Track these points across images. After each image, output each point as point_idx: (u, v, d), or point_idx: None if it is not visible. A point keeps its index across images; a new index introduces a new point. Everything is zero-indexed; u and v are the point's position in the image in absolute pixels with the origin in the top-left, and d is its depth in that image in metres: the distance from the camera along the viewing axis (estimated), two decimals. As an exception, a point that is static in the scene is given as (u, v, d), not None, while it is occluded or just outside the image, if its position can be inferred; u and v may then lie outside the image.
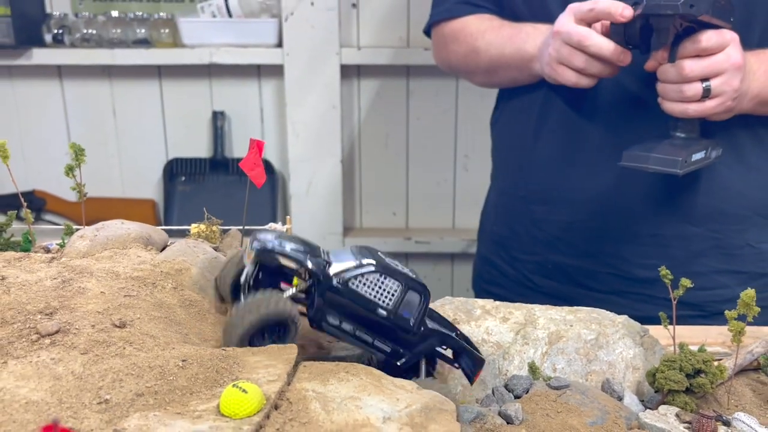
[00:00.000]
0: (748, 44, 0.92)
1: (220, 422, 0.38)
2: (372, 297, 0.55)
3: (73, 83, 2.17)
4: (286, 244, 0.54)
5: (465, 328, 0.70)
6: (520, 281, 1.20)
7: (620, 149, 0.89)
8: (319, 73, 2.03)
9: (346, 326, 0.53)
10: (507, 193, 1.23)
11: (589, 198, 1.06)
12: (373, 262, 0.56)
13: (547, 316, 0.72)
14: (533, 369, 0.67)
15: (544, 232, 1.14)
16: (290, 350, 0.46)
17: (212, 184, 2.21)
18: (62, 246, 0.65)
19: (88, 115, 2.21)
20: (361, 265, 0.55)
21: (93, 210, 2.25)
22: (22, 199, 0.74)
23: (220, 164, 2.19)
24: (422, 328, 0.59)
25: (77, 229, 0.66)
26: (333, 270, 0.54)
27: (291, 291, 0.52)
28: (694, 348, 0.71)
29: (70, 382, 0.38)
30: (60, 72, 2.16)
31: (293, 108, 2.06)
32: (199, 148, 2.23)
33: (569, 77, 0.91)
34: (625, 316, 0.75)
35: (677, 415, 0.63)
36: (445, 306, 0.74)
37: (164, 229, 0.73)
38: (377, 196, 2.26)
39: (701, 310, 1.03)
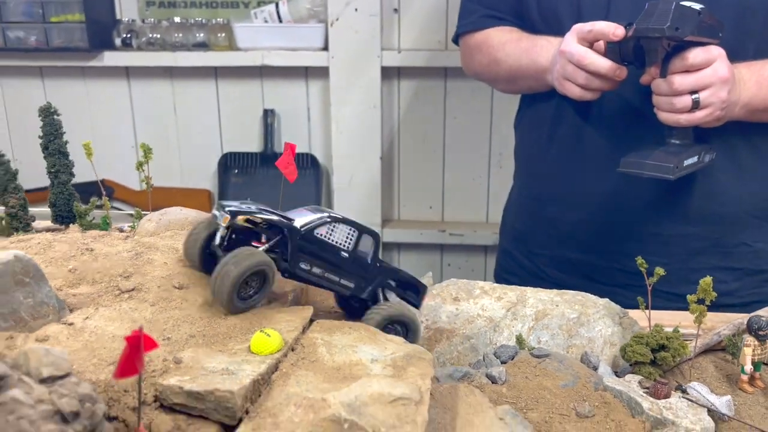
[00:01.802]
0: (743, 57, 1.00)
1: (250, 357, 0.50)
2: (334, 242, 0.65)
3: (139, 83, 2.36)
4: (253, 207, 0.65)
5: (463, 305, 0.82)
6: (535, 273, 1.30)
7: (622, 155, 0.98)
8: (362, 74, 2.15)
9: (316, 270, 0.63)
10: (525, 192, 1.33)
11: (595, 200, 1.15)
12: (326, 214, 0.66)
13: (536, 297, 0.83)
14: (520, 341, 0.78)
15: (557, 229, 1.24)
16: (307, 311, 0.59)
17: (262, 176, 2.36)
18: (134, 227, 0.80)
19: (151, 112, 2.39)
20: (320, 218, 0.65)
21: (155, 198, 2.44)
22: (102, 188, 0.89)
23: (269, 158, 2.34)
24: (378, 265, 0.69)
25: (145, 215, 0.80)
26: (297, 224, 0.63)
27: (265, 246, 0.62)
28: (669, 330, 0.80)
29: (143, 324, 0.51)
30: (127, 73, 2.35)
31: (337, 107, 2.19)
32: (251, 143, 2.39)
33: (574, 92, 1.01)
34: (607, 299, 0.85)
35: (639, 383, 0.73)
36: (450, 286, 0.86)
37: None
38: (414, 191, 2.37)
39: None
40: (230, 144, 2.40)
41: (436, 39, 2.21)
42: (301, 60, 2.19)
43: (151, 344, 0.37)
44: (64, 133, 0.85)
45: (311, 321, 0.59)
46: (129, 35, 2.26)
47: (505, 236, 1.42)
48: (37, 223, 0.84)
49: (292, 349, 0.53)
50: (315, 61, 2.18)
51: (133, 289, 0.57)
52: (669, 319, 0.87)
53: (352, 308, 0.72)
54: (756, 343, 0.71)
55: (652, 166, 0.94)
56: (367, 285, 0.68)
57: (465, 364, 0.77)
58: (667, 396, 0.69)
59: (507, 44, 1.20)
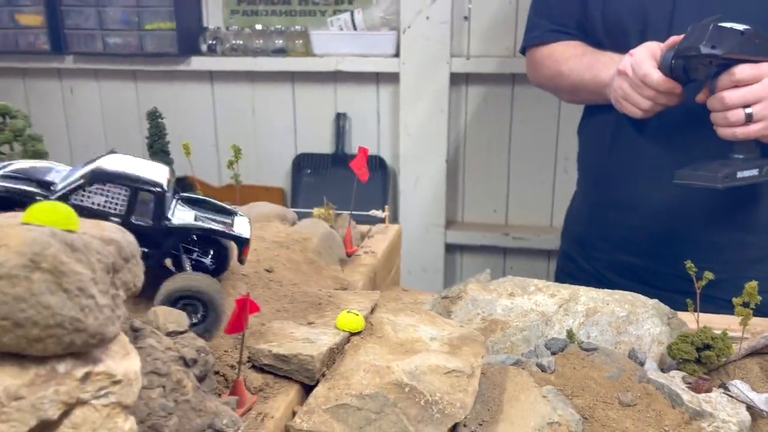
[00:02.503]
0: None
1: (327, 330, 0.59)
2: (100, 207, 0.55)
3: (222, 86, 2.52)
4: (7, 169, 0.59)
5: (518, 300, 0.88)
6: (594, 276, 1.34)
7: (680, 166, 1.02)
8: (431, 80, 2.23)
9: None
10: (586, 197, 1.38)
11: (653, 208, 1.19)
12: (84, 173, 0.56)
13: (588, 295, 0.88)
14: (570, 335, 0.84)
15: (616, 234, 1.28)
16: (375, 295, 0.67)
17: (333, 176, 2.47)
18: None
19: (231, 113, 2.55)
20: (74, 180, 0.55)
21: (233, 195, 2.60)
22: (198, 187, 1.00)
23: (340, 159, 2.44)
24: (165, 225, 0.57)
25: (235, 208, 0.90)
26: (56, 188, 0.55)
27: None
28: (717, 332, 0.84)
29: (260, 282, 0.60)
30: (211, 77, 2.51)
31: (406, 111, 2.27)
32: (323, 144, 2.51)
33: (631, 110, 1.05)
34: (656, 300, 0.89)
35: (683, 378, 0.77)
36: (506, 282, 0.92)
37: (293, 211, 0.96)
38: (479, 194, 2.42)
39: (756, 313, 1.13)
40: (304, 145, 2.52)
41: (505, 46, 2.26)
42: (373, 66, 2.29)
43: (255, 308, 0.46)
44: (167, 134, 0.96)
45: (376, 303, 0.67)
46: (214, 42, 2.41)
47: (566, 239, 1.46)
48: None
49: (362, 326, 0.62)
50: (386, 67, 2.27)
51: (242, 269, 0.67)
52: (718, 322, 0.90)
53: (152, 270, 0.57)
54: (796, 344, 0.75)
55: (701, 176, 0.98)
56: (152, 251, 0.57)
57: (517, 353, 0.83)
58: (708, 391, 0.74)
59: (570, 59, 1.25)
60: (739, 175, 0.98)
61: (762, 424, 0.72)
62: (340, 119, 2.44)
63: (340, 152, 2.45)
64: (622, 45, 1.14)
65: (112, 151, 0.65)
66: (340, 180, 2.47)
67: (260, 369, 0.55)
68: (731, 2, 1.05)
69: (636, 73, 1.00)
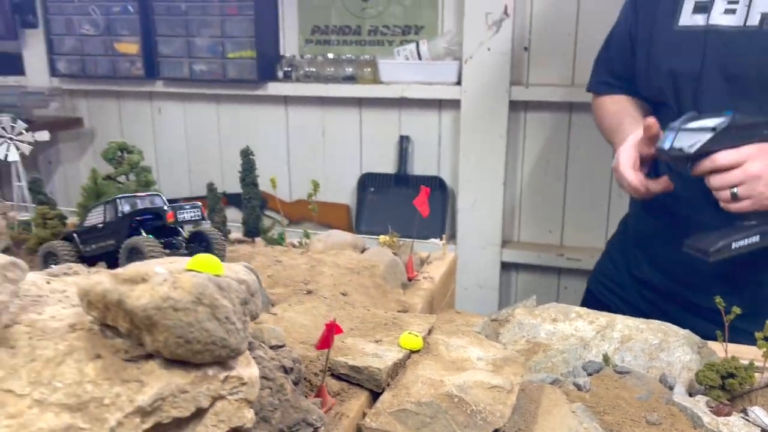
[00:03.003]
0: None
1: (391, 347, 0.71)
2: (91, 224, 0.83)
3: (295, 109, 2.69)
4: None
5: (560, 325, 0.98)
6: (622, 291, 1.44)
7: (704, 226, 1.10)
8: (490, 107, 2.33)
9: (93, 246, 0.83)
10: (631, 222, 1.47)
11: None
12: (99, 211, 0.84)
13: (624, 323, 0.97)
14: (606, 358, 0.93)
15: (655, 262, 1.36)
16: (432, 318, 0.79)
17: (395, 195, 2.60)
18: (301, 244, 1.04)
19: (303, 134, 2.72)
20: (91, 211, 0.85)
21: (302, 210, 2.77)
22: (270, 202, 1.15)
23: (402, 179, 2.57)
24: (120, 221, 0.81)
25: (314, 234, 1.04)
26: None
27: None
28: (745, 362, 0.92)
29: (320, 318, 0.73)
30: (286, 101, 2.69)
31: (466, 136, 2.38)
32: (387, 164, 2.64)
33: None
34: (688, 330, 0.97)
35: (706, 403, 0.85)
36: (550, 309, 1.02)
37: (363, 237, 1.09)
38: (535, 215, 2.50)
39: None
40: (369, 165, 2.67)
41: (563, 75, 2.34)
42: (436, 93, 2.41)
43: (339, 330, 0.58)
44: (256, 169, 1.11)
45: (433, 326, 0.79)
46: (290, 69, 2.59)
47: (609, 252, 1.55)
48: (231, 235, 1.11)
49: (421, 345, 0.73)
50: (448, 94, 2.39)
51: (310, 292, 0.80)
52: (746, 352, 0.97)
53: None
54: (813, 377, 0.82)
55: (698, 248, 1.07)
56: (120, 237, 0.80)
57: (557, 373, 0.93)
58: (728, 415, 0.82)
59: (607, 117, 1.36)
60: (735, 245, 1.06)
61: (776, 448, 0.79)
62: (404, 142, 2.57)
63: (403, 172, 2.58)
64: (661, 106, 1.24)
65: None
66: (401, 198, 2.61)
67: (338, 377, 0.67)
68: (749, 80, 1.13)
69: (617, 175, 1.10)
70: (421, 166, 2.61)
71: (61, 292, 0.54)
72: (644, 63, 1.28)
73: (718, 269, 1.25)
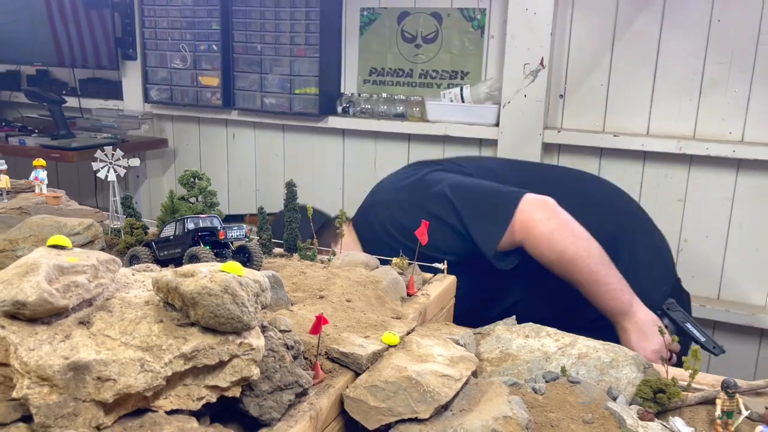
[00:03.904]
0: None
1: (375, 342, 0.93)
2: (166, 236, 1.10)
3: (351, 141, 2.96)
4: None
5: (530, 341, 1.17)
6: None
7: None
8: (525, 148, 2.52)
9: (165, 253, 1.07)
10: None
11: None
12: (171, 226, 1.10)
13: (584, 343, 1.15)
14: (563, 370, 1.11)
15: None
16: (412, 324, 1.00)
17: (436, 223, 2.81)
18: (329, 261, 1.27)
19: (356, 164, 2.97)
20: (166, 228, 1.11)
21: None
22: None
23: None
24: (185, 235, 1.05)
25: (335, 254, 1.27)
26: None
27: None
28: (683, 383, 1.08)
29: (327, 316, 0.96)
30: (343, 133, 2.96)
31: (501, 173, 2.57)
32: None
33: None
34: (636, 353, 1.14)
35: (637, 411, 1.02)
36: (525, 327, 1.21)
37: (378, 257, 1.31)
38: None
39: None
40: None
41: (595, 122, 2.51)
42: (476, 133, 2.62)
43: (325, 321, 0.81)
44: (297, 198, 1.35)
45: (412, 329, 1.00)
46: (348, 105, 2.86)
47: None
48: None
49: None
50: (487, 134, 2.59)
51: (322, 297, 1.03)
52: (684, 375, 1.13)
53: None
54: (725, 397, 0.98)
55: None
56: (185, 247, 1.04)
57: (521, 378, 1.12)
58: (650, 420, 0.99)
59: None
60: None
61: (686, 451, 0.95)
62: (446, 175, 2.78)
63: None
64: None
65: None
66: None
67: (332, 359, 0.90)
68: None
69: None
70: (461, 197, 2.80)
71: (141, 282, 0.79)
72: None
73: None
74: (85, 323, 0.65)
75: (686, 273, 2.33)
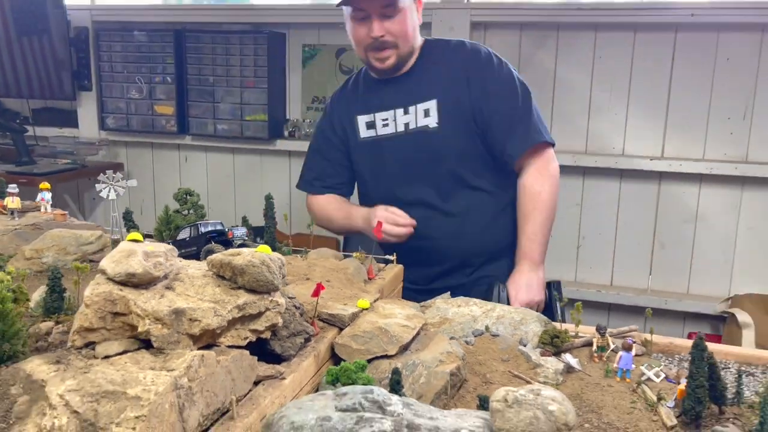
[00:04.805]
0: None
1: (352, 307, 1.26)
2: (183, 238, 1.37)
3: (296, 161, 3.27)
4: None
5: (462, 309, 1.52)
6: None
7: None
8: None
9: (183, 250, 1.34)
10: None
11: None
12: (188, 227, 1.39)
13: (501, 308, 1.52)
14: (486, 328, 1.48)
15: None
16: (378, 294, 1.34)
17: (375, 231, 3.15)
18: (305, 255, 1.59)
19: (303, 181, 3.28)
20: (183, 231, 1.40)
21: (299, 241, 3.33)
22: (284, 241, 1.70)
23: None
24: (199, 236, 1.35)
25: (307, 251, 1.59)
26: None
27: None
28: (572, 333, 1.46)
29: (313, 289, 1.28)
30: (290, 154, 3.27)
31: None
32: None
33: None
34: (539, 314, 1.52)
35: (540, 352, 1.39)
36: (457, 300, 1.56)
37: (342, 253, 1.64)
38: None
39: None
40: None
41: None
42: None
43: (323, 287, 1.13)
44: (275, 211, 1.65)
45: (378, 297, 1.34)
46: (293, 129, 3.18)
47: None
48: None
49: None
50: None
51: (308, 279, 1.35)
52: (572, 328, 1.52)
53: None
54: (599, 337, 1.37)
55: None
56: (200, 246, 1.31)
57: (456, 335, 1.48)
58: (547, 356, 1.36)
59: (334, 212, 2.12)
60: None
61: (573, 376, 1.32)
62: (383, 189, 3.14)
63: (381, 213, 3.14)
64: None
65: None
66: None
67: (323, 320, 1.22)
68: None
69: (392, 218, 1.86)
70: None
71: (188, 265, 1.09)
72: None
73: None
74: (169, 288, 0.95)
75: (585, 265, 2.79)
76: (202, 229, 1.35)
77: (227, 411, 0.87)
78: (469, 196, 1.94)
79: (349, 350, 1.16)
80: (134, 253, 0.93)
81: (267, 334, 1.01)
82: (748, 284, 2.79)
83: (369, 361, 1.15)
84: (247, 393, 0.93)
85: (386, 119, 1.98)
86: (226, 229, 1.35)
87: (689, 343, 1.41)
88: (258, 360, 1.02)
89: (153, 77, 3.24)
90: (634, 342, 1.33)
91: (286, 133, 3.19)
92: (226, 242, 1.35)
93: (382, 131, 1.99)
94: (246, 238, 1.40)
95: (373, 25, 1.82)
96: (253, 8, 3.32)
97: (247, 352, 0.95)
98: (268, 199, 1.65)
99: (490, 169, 1.95)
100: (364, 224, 1.93)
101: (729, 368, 1.34)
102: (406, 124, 1.95)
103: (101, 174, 1.72)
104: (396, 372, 0.99)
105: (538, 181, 1.91)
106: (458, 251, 1.96)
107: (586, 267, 2.52)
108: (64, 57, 3.25)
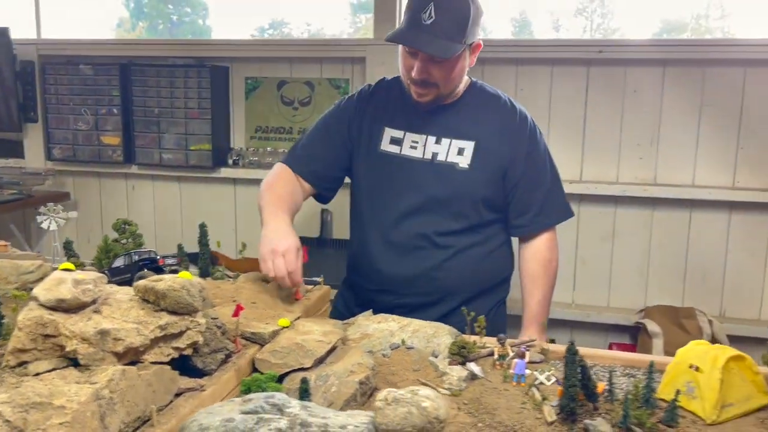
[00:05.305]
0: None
1: (273, 325, 1.37)
2: (118, 266, 1.47)
3: (241, 189, 3.38)
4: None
5: (381, 325, 1.65)
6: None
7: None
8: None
9: (117, 278, 1.45)
10: None
11: None
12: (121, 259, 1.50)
13: (417, 323, 1.66)
14: (403, 341, 1.61)
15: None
16: (297, 314, 1.46)
17: (318, 254, 3.27)
18: (236, 279, 1.70)
19: (247, 207, 3.39)
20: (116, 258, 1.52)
21: (245, 265, 3.42)
22: (220, 259, 1.81)
23: (323, 242, 3.25)
24: (132, 264, 1.46)
25: (237, 275, 1.70)
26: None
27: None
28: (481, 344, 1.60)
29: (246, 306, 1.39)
30: (234, 182, 3.37)
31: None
32: (313, 230, 3.32)
33: None
34: (450, 327, 1.66)
35: (448, 361, 1.53)
36: (378, 316, 1.69)
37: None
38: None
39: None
40: (299, 231, 3.33)
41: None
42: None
43: (242, 308, 1.25)
44: (209, 239, 1.76)
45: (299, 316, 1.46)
46: (237, 158, 3.29)
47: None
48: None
49: (290, 326, 1.41)
50: (355, 179, 3.11)
51: (235, 301, 1.46)
52: (479, 339, 1.66)
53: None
54: (499, 346, 1.51)
55: None
56: (134, 273, 1.42)
57: (375, 349, 1.60)
58: (453, 365, 1.49)
59: (278, 186, 2.02)
60: None
61: (476, 382, 1.46)
62: (324, 213, 3.27)
63: (324, 236, 3.26)
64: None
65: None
66: (322, 257, 3.28)
67: (245, 338, 1.33)
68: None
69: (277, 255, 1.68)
70: (339, 231, 3.30)
71: (117, 291, 1.20)
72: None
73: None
74: (97, 311, 1.05)
75: (514, 281, 2.95)
76: (135, 257, 1.45)
77: (149, 419, 0.98)
78: (467, 236, 1.94)
79: (268, 364, 1.27)
80: (64, 281, 1.03)
81: (189, 351, 1.12)
82: (659, 297, 3.00)
83: (287, 373, 1.27)
84: (169, 404, 1.04)
85: (416, 142, 1.90)
86: (158, 257, 1.46)
87: (585, 351, 1.58)
88: (182, 374, 1.12)
89: (99, 109, 3.31)
90: (528, 350, 1.48)
91: (230, 162, 3.29)
92: (158, 269, 1.46)
93: (407, 152, 1.90)
94: (176, 265, 1.51)
95: (416, 66, 1.75)
96: (197, 43, 3.44)
97: (168, 367, 1.06)
98: (202, 227, 1.76)
99: (493, 218, 1.97)
100: (263, 229, 1.82)
101: (615, 371, 1.50)
102: (435, 154, 1.89)
103: (41, 206, 1.80)
104: (304, 381, 1.11)
105: (550, 249, 2.00)
106: (441, 285, 1.95)
107: (515, 284, 2.68)
108: (10, 90, 3.29)
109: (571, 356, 1.21)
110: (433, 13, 1.69)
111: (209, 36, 3.37)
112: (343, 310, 2.07)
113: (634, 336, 3.02)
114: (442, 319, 1.64)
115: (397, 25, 3.03)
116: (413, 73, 1.77)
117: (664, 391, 1.31)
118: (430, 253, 1.93)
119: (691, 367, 1.28)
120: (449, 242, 1.93)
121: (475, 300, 2.00)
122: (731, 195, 2.89)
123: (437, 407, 0.91)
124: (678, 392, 1.22)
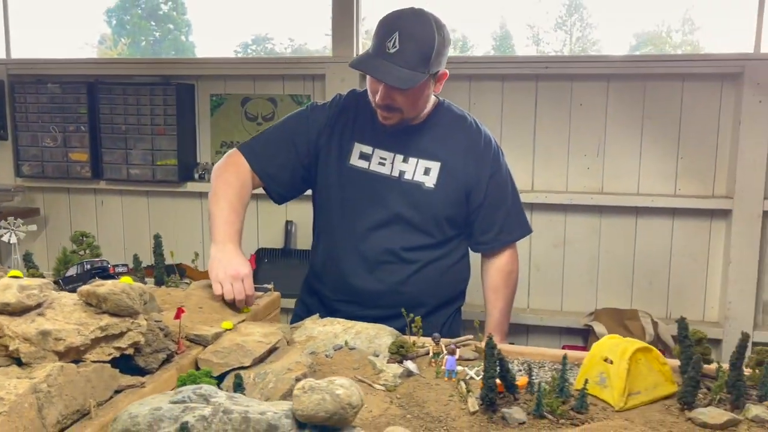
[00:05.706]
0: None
1: (217, 327, 1.45)
2: (73, 275, 1.56)
3: (207, 203, 3.44)
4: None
5: (326, 327, 1.73)
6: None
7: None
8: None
9: (70, 286, 1.53)
10: None
11: None
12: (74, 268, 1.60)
13: (360, 326, 1.74)
14: (346, 342, 1.69)
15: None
16: (243, 317, 1.54)
17: (282, 264, 3.35)
18: (187, 286, 1.77)
19: (214, 220, 3.45)
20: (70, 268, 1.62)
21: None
22: (186, 270, 1.88)
23: (289, 253, 3.32)
24: (85, 273, 1.55)
25: (189, 282, 1.78)
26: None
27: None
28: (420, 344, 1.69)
29: (184, 316, 1.46)
30: (201, 195, 3.44)
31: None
32: (277, 241, 3.39)
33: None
34: (392, 328, 1.75)
35: (387, 359, 1.62)
36: (324, 320, 1.77)
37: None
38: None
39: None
40: (263, 242, 3.41)
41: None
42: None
43: (183, 311, 1.32)
44: (163, 249, 1.83)
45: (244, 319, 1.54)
46: (203, 172, 3.36)
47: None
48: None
49: (233, 328, 1.48)
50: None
51: (183, 305, 1.53)
52: (423, 340, 1.75)
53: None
54: (434, 344, 1.60)
55: None
56: (86, 280, 1.47)
57: (319, 350, 1.69)
58: (392, 363, 1.58)
59: (230, 186, 2.00)
60: None
61: (411, 379, 1.55)
62: (289, 225, 3.35)
63: (288, 248, 3.34)
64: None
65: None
66: (286, 267, 3.36)
67: (190, 339, 1.41)
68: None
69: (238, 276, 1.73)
70: (303, 242, 3.38)
71: (63, 296, 1.27)
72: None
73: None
74: (41, 314, 1.12)
75: (473, 287, 3.04)
76: (88, 266, 1.53)
77: (88, 413, 1.05)
78: (431, 250, 2.01)
79: (210, 364, 1.35)
80: (10, 287, 1.10)
81: (131, 351, 1.19)
82: (608, 300, 3.12)
83: (228, 372, 1.35)
84: (109, 399, 1.11)
85: (385, 159, 1.93)
86: (109, 266, 1.53)
87: (519, 348, 1.67)
88: (124, 373, 1.20)
89: (67, 126, 3.36)
90: (459, 347, 1.58)
91: (196, 176, 3.36)
92: (109, 277, 1.53)
93: (375, 168, 1.94)
94: (126, 273, 1.58)
95: (380, 92, 1.79)
96: (163, 61, 3.51)
97: (108, 365, 1.13)
98: (157, 238, 1.83)
99: (455, 234, 2.04)
100: (214, 247, 1.84)
101: (544, 366, 1.58)
102: (402, 172, 1.94)
103: (2, 221, 1.86)
104: (238, 377, 1.19)
105: (511, 262, 2.11)
106: (406, 299, 1.97)
107: (475, 289, 2.78)
108: (-21, 108, 3.34)
109: (490, 350, 1.30)
110: (397, 43, 1.71)
111: (193, 52, 3.45)
112: (305, 315, 2.15)
113: (585, 338, 3.13)
114: (404, 330, 1.70)
115: (356, 46, 3.15)
116: (377, 98, 1.81)
117: (580, 381, 1.40)
118: (397, 267, 1.99)
119: (606, 360, 1.38)
120: (415, 257, 2.00)
121: (437, 311, 2.09)
122: (673, 202, 3.02)
123: (350, 394, 1.00)
124: (586, 381, 1.32)
